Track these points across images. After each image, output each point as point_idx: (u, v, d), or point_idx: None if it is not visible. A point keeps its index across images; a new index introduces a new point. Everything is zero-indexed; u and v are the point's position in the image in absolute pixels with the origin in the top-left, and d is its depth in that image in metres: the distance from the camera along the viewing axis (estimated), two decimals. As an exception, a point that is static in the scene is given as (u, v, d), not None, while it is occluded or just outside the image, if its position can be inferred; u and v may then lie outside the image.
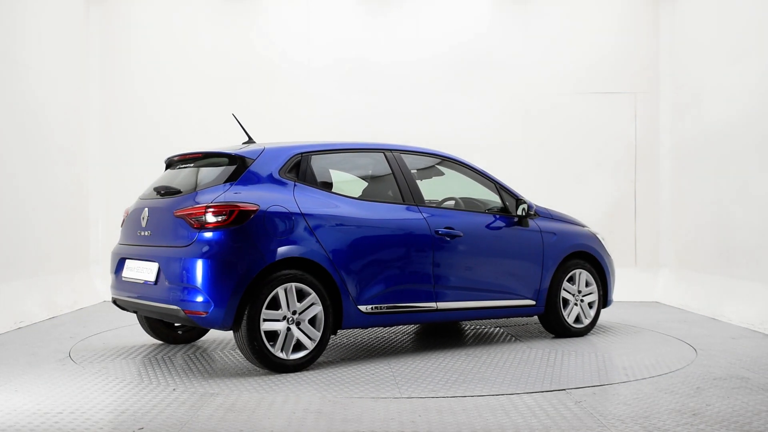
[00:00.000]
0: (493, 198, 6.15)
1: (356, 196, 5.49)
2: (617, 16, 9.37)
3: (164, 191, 5.28)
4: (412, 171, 6.27)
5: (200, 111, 9.06)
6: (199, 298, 4.70)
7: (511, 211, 6.06)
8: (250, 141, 5.73)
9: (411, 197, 5.62)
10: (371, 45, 9.29)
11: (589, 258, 6.45)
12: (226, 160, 5.19)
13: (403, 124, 9.10)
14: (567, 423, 3.80)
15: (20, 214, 7.26)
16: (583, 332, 6.35)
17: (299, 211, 4.99)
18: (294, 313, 4.91)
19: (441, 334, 6.49)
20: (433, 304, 5.54)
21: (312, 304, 4.97)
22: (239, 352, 5.60)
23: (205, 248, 4.73)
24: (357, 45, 9.29)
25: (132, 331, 6.64)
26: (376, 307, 5.28)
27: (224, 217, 4.75)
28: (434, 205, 5.89)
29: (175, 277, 4.83)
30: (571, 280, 6.31)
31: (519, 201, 6.04)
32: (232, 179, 4.99)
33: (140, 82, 9.25)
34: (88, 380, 4.74)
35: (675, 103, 9.06)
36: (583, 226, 6.64)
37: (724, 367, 5.10)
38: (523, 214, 6.01)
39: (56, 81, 8.25)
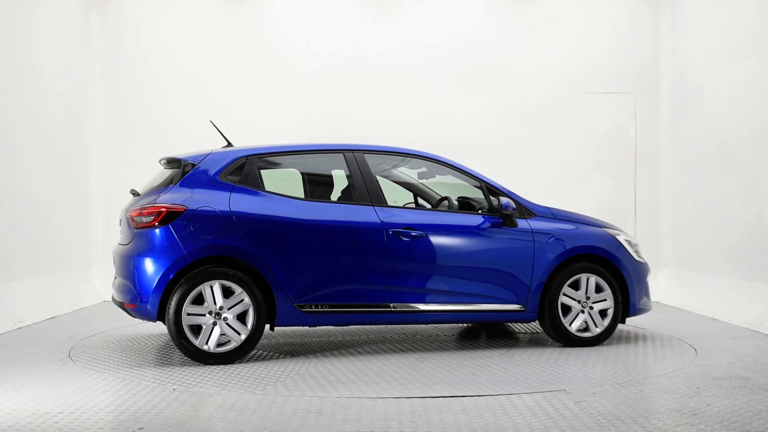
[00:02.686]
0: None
1: (302, 197, 5.59)
2: (617, 16, 9.37)
3: (134, 194, 5.71)
4: (419, 171, 6.25)
5: (200, 111, 9.04)
6: (131, 292, 5.23)
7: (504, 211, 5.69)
8: (229, 145, 5.97)
9: (368, 197, 5.57)
10: (370, 45, 9.29)
11: (604, 262, 5.90)
12: (177, 164, 5.54)
13: (403, 124, 9.10)
14: (567, 423, 3.80)
15: (20, 214, 7.26)
16: (592, 342, 5.81)
17: (229, 212, 5.23)
18: (221, 308, 5.15)
19: (441, 335, 6.49)
20: (387, 306, 5.48)
21: (241, 301, 5.18)
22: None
23: (137, 246, 5.24)
24: (356, 45, 9.28)
25: (132, 331, 6.64)
26: (317, 306, 5.34)
27: (153, 218, 5.18)
28: (398, 205, 5.77)
29: (120, 272, 5.43)
30: (577, 285, 5.81)
31: (500, 200, 5.68)
32: (174, 182, 5.38)
33: (140, 82, 9.25)
34: (88, 380, 4.74)
35: (675, 103, 9.07)
36: (602, 226, 6.05)
37: (724, 367, 5.10)
38: (504, 213, 5.63)
39: (56, 81, 8.25)
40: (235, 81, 9.24)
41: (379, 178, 5.85)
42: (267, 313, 5.31)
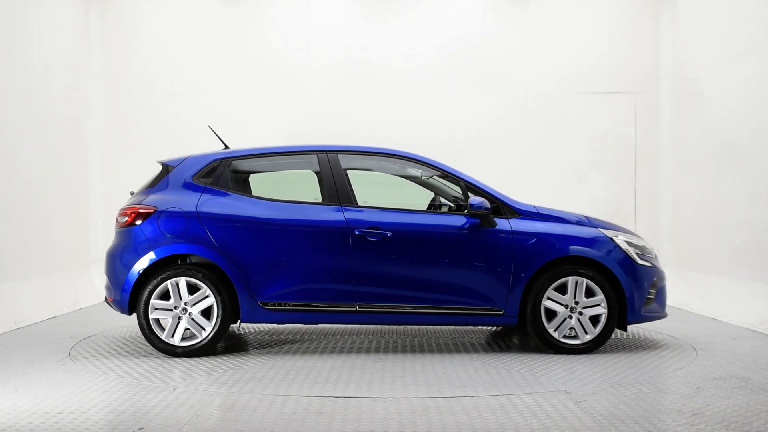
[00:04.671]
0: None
1: (271, 197, 5.68)
2: (618, 16, 9.37)
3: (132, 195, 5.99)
4: (421, 170, 6.18)
5: (200, 112, 9.06)
6: (109, 287, 5.64)
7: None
8: (226, 148, 6.15)
9: (337, 197, 5.59)
10: (370, 46, 9.29)
11: (597, 264, 5.52)
12: (161, 167, 5.87)
13: (403, 124, 9.11)
14: (567, 423, 3.80)
15: (20, 214, 7.26)
16: (580, 349, 5.48)
17: (196, 212, 5.49)
18: (186, 304, 5.43)
19: (443, 335, 6.49)
20: (352, 306, 5.48)
21: (206, 297, 5.43)
22: (240, 352, 5.64)
23: (115, 245, 5.64)
24: (356, 46, 9.29)
25: (132, 330, 6.64)
26: (280, 304, 5.47)
27: (127, 218, 5.57)
28: (368, 205, 5.67)
29: (105, 269, 5.74)
30: (564, 288, 5.49)
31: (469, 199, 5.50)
32: (153, 184, 5.76)
33: (140, 82, 9.26)
34: (88, 380, 4.75)
35: (675, 103, 9.07)
36: (598, 226, 5.71)
37: (724, 367, 5.10)
38: (473, 212, 5.42)
39: (56, 81, 8.25)
40: (235, 81, 9.25)
41: (373, 177, 5.93)
42: (233, 310, 5.51)
